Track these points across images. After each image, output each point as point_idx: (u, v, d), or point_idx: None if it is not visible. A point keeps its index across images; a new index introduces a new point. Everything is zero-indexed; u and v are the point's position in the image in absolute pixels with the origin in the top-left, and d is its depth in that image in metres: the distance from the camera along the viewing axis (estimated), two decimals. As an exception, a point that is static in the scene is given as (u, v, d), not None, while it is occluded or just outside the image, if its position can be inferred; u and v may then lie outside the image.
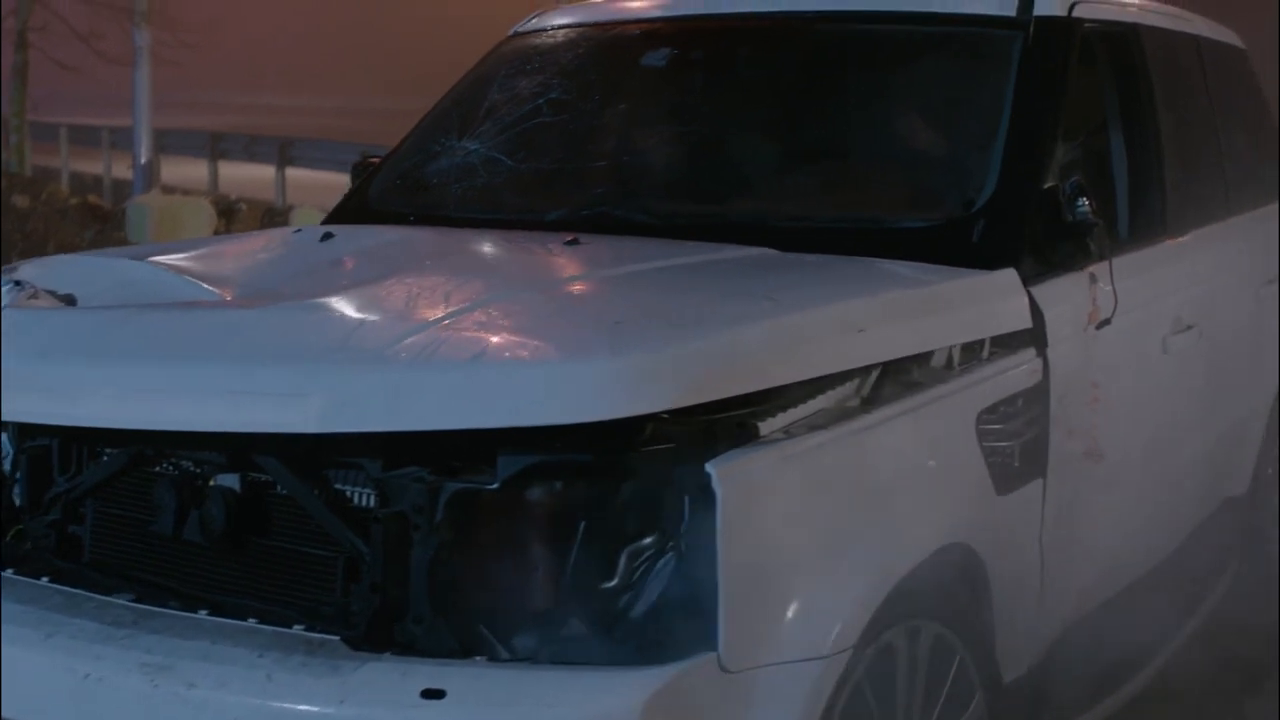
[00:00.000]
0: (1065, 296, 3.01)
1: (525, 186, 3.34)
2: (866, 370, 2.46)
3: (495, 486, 2.09)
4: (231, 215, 13.29)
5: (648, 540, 2.08)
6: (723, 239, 2.92)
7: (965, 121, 3.18)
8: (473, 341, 2.09)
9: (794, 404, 2.29)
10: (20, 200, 12.91)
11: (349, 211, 3.60)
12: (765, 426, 2.22)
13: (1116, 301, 3.12)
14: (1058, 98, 3.23)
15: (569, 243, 2.76)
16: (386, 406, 2.03)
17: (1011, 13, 3.33)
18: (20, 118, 15.91)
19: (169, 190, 16.56)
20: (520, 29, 3.95)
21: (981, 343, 2.77)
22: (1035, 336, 2.87)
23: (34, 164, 20.58)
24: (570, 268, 2.57)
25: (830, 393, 2.39)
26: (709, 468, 2.06)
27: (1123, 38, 3.65)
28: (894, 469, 2.38)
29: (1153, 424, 3.44)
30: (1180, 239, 3.71)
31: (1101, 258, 3.09)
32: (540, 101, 3.50)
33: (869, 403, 2.44)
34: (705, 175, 3.24)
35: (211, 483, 2.30)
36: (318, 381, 2.08)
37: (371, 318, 2.26)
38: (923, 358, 2.61)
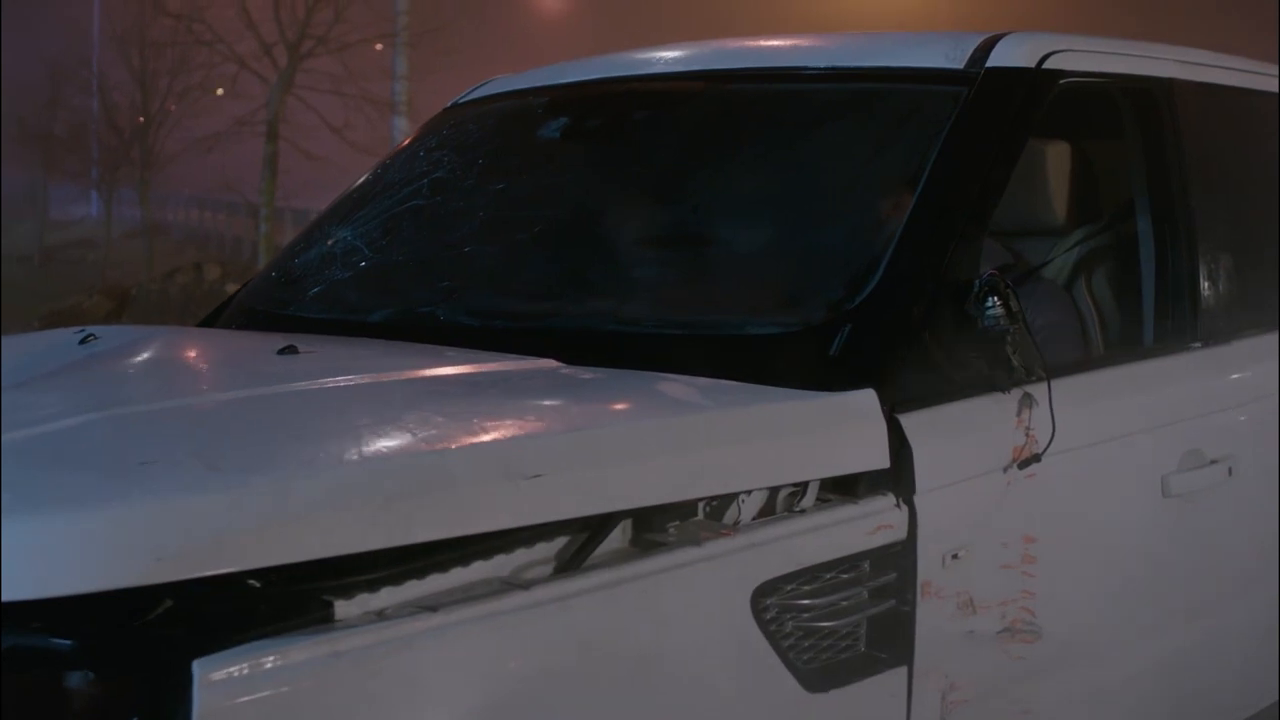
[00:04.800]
0: (961, 426, 2.32)
1: (368, 282, 2.85)
2: (584, 526, 1.87)
3: None
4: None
5: None
6: (534, 346, 2.36)
7: (862, 202, 2.53)
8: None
9: (425, 573, 1.73)
10: (232, 289, 13.21)
11: (228, 309, 3.19)
12: (357, 605, 1.67)
13: (1054, 431, 2.40)
14: (996, 171, 2.55)
15: (283, 350, 2.25)
16: None
17: (958, 65, 2.67)
18: (269, 207, 16.43)
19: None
20: (459, 99, 3.49)
21: (801, 488, 2.12)
22: (897, 479, 2.20)
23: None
24: (220, 384, 2.06)
25: (502, 557, 1.81)
26: (195, 665, 1.52)
27: (1143, 96, 2.92)
28: (565, 666, 1.77)
29: (1140, 589, 2.67)
30: (1218, 347, 2.92)
31: (1030, 374, 2.38)
32: (422, 184, 3.02)
33: (567, 571, 1.84)
34: (537, 270, 2.67)
35: None
36: None
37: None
38: (690, 509, 2.00)
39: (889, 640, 2.17)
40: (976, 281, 2.34)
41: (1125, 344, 2.99)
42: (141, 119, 22.51)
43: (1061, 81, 2.71)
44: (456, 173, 3.00)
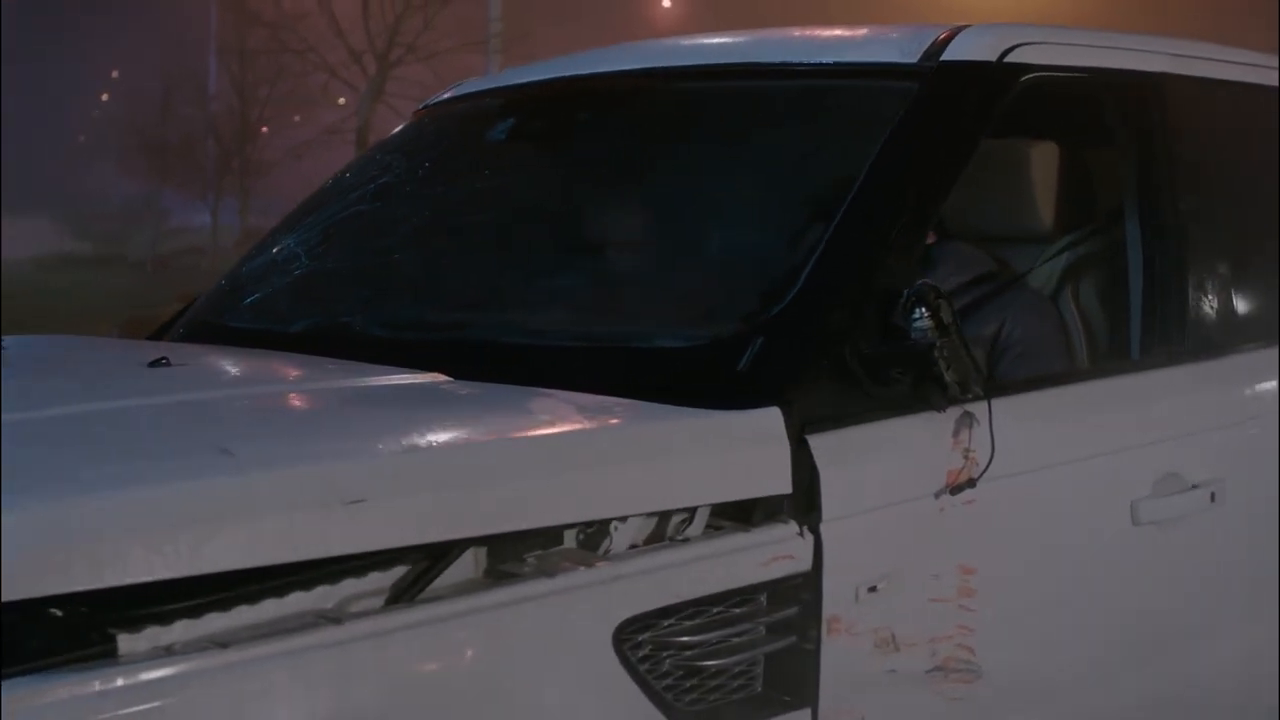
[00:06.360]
0: (883, 448, 2.14)
1: (297, 292, 2.74)
2: (425, 555, 1.73)
3: None
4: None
5: None
6: (434, 360, 2.23)
7: (790, 206, 2.37)
8: None
9: (230, 605, 1.60)
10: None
11: (179, 319, 3.10)
12: (145, 639, 1.55)
13: (992, 453, 2.21)
14: (944, 173, 2.37)
15: (153, 363, 2.14)
16: None
17: (912, 60, 2.50)
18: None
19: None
20: (427, 102, 3.38)
21: (689, 514, 1.96)
22: (802, 505, 2.03)
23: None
24: (60, 399, 1.94)
25: (325, 588, 1.67)
26: None
27: (1123, 92, 2.72)
28: (378, 709, 1.63)
29: (1103, 626, 2.46)
30: (1207, 362, 2.70)
31: (966, 391, 2.19)
32: (367, 190, 2.91)
33: (399, 603, 1.71)
34: (443, 280, 2.55)
35: None
36: None
37: None
38: (558, 536, 1.85)
39: (790, 680, 2.00)
40: (905, 291, 2.16)
41: (1109, 357, 2.78)
42: (264, 129, 22.88)
43: (1025, 77, 2.52)
44: (399, 179, 2.89)
